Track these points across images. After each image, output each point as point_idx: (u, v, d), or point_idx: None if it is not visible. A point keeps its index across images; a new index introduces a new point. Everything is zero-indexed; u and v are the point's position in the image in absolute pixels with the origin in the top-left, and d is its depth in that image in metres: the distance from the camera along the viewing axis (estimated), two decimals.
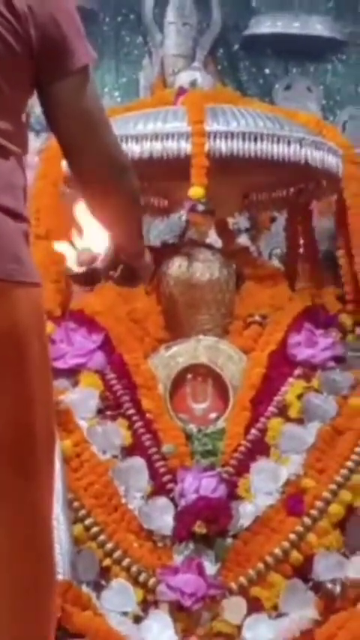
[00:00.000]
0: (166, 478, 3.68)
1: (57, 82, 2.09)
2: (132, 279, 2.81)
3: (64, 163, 4.00)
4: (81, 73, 2.10)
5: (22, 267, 2.01)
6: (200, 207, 3.85)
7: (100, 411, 3.79)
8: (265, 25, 6.78)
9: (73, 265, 2.97)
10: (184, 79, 4.47)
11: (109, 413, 3.79)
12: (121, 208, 2.34)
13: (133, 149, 3.76)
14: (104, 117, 2.21)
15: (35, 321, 2.04)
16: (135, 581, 3.55)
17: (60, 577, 3.25)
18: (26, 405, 2.01)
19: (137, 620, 3.52)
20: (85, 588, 3.47)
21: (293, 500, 3.66)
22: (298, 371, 3.91)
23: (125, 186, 2.28)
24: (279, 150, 3.90)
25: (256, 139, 3.86)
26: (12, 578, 2.02)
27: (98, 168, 2.20)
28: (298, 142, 3.94)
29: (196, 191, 3.80)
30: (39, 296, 2.06)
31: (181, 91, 4.26)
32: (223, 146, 3.82)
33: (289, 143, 3.92)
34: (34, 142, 3.27)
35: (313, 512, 3.65)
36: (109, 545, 3.57)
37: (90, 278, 2.99)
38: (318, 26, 6.73)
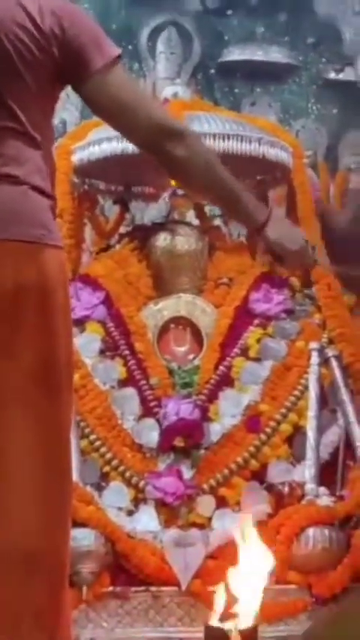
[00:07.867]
0: (153, 404, 3.69)
1: (84, 84, 2.01)
2: (279, 260, 2.03)
3: (72, 158, 4.01)
4: (102, 72, 2.00)
5: (49, 233, 1.99)
6: (179, 192, 3.84)
7: (101, 352, 3.78)
8: (235, 54, 6.72)
9: None
10: (168, 92, 4.45)
11: (108, 353, 3.79)
12: (191, 170, 2.06)
13: (127, 147, 3.67)
14: (137, 95, 2.05)
15: (60, 276, 2.00)
16: (128, 483, 3.58)
17: None
18: (52, 339, 1.97)
19: (130, 513, 3.55)
20: (89, 488, 3.49)
21: (252, 421, 3.67)
22: (256, 321, 3.89)
23: (183, 149, 2.03)
24: (242, 147, 3.88)
25: (223, 138, 3.84)
26: (40, 475, 1.94)
27: (149, 137, 2.04)
28: (257, 140, 3.92)
29: None
30: (62, 257, 2.03)
31: (165, 101, 4.23)
32: None
33: (250, 141, 3.90)
34: None
35: (268, 430, 3.67)
36: (108, 455, 3.59)
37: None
38: (276, 54, 6.68)
